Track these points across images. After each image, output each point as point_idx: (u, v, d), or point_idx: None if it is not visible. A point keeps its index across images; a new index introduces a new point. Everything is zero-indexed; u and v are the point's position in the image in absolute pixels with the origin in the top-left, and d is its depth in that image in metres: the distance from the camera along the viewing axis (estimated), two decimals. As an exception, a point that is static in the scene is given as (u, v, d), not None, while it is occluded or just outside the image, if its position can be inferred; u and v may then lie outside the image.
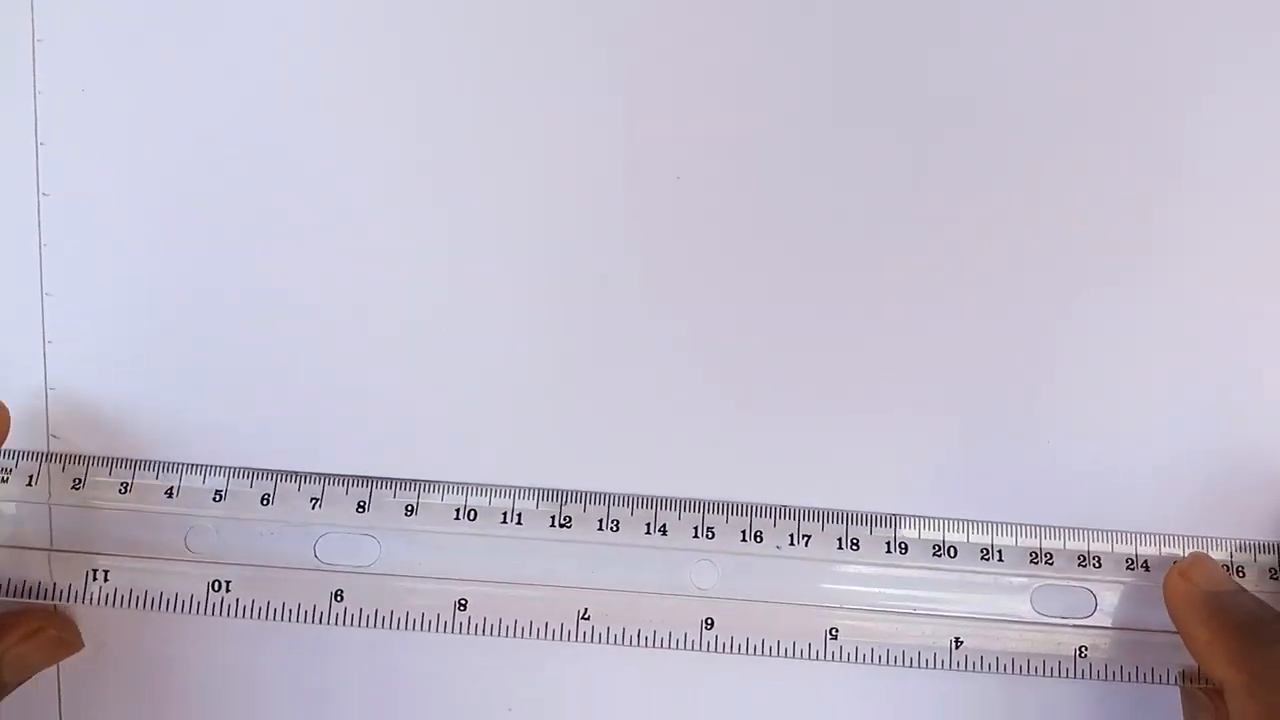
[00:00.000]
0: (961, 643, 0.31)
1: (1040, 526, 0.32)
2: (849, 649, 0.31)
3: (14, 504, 0.32)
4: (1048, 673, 0.31)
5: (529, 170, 0.33)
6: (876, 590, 0.32)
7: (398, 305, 0.33)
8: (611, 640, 0.31)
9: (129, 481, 0.32)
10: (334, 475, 0.32)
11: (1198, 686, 0.31)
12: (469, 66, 0.33)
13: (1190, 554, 0.31)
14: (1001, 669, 0.31)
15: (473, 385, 0.33)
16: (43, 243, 0.33)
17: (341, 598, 0.32)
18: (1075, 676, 0.31)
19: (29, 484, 0.32)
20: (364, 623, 0.31)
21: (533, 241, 0.33)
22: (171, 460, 0.32)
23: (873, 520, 0.32)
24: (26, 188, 0.33)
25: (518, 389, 0.33)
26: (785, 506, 0.32)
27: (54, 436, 0.33)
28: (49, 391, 0.33)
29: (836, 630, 0.31)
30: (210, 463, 0.32)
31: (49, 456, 0.32)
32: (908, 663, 0.31)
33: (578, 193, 0.33)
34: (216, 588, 0.32)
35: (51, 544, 0.32)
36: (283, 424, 0.33)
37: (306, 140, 0.33)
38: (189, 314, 0.33)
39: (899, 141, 0.32)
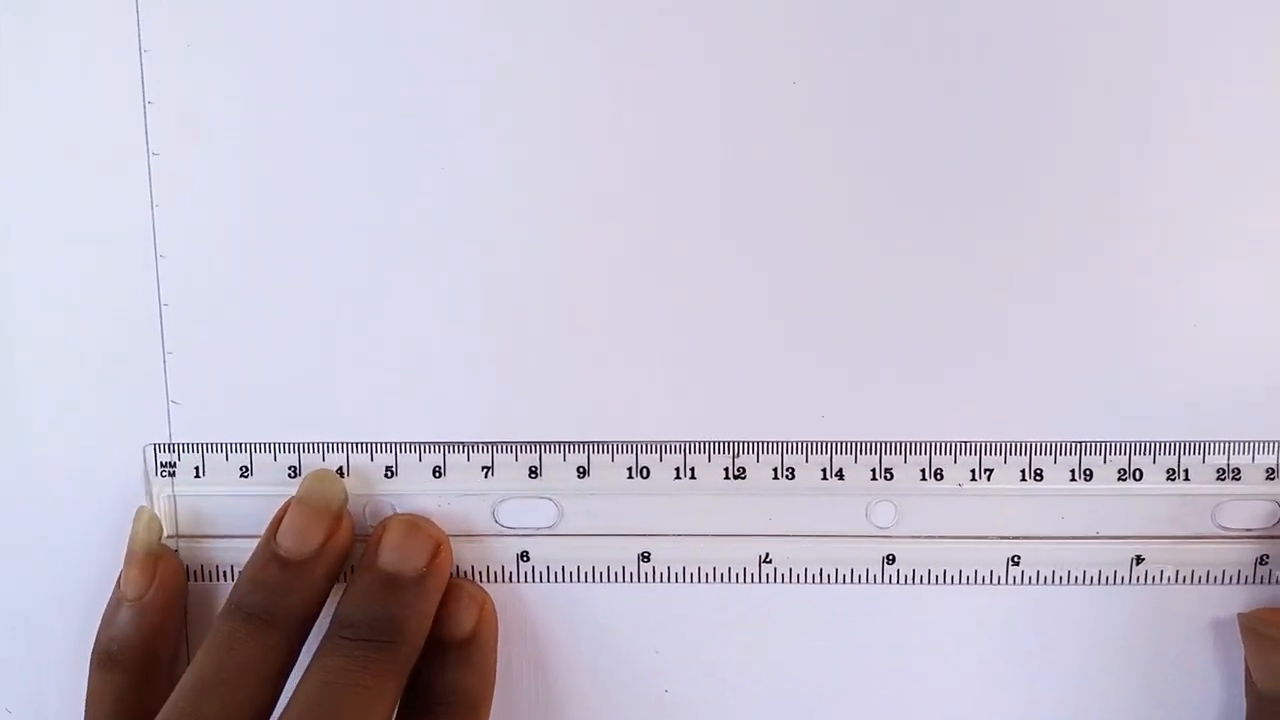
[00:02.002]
0: (1142, 560, 0.32)
1: (1228, 442, 0.31)
2: (1030, 574, 0.32)
3: (193, 499, 0.32)
4: (1225, 581, 0.32)
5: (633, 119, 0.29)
6: (1059, 518, 0.32)
7: (519, 276, 0.31)
8: (794, 580, 0.32)
9: (296, 465, 0.32)
10: (500, 443, 0.32)
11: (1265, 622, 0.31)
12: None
13: None
14: (1181, 580, 0.32)
15: (628, 347, 0.31)
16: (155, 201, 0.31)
17: (528, 558, 0.32)
18: (1255, 582, 0.32)
19: (196, 476, 0.32)
20: (551, 579, 0.32)
21: (671, 194, 0.30)
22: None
23: (1057, 449, 0.31)
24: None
25: (678, 347, 0.31)
26: (966, 442, 0.31)
27: (174, 402, 0.32)
28: (167, 361, 0.32)
29: (1019, 558, 0.32)
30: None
31: (211, 447, 0.32)
32: (1088, 581, 0.32)
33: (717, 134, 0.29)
34: (404, 558, 0.32)
35: (232, 531, 0.32)
36: (430, 401, 0.32)
37: (424, 149, 0.31)
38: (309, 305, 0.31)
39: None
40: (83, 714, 0.30)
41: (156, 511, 0.32)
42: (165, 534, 0.32)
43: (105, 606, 0.31)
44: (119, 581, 0.31)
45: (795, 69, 0.30)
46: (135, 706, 0.29)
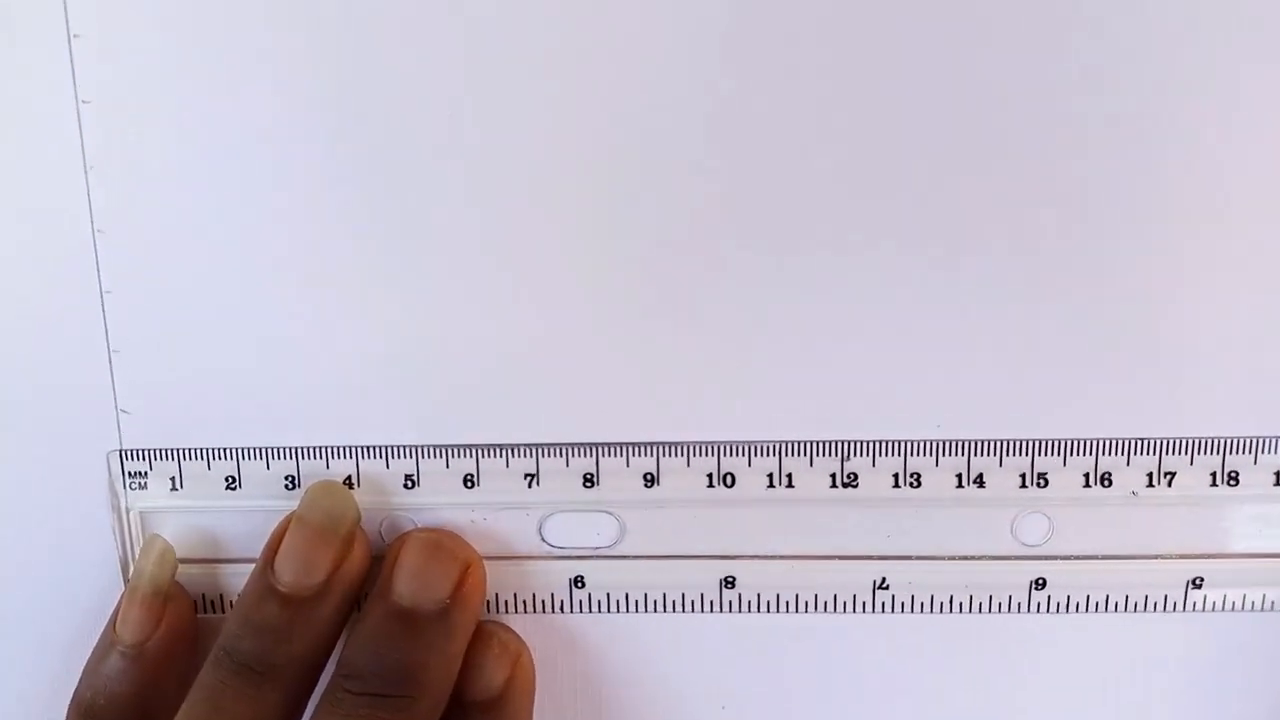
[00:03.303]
0: (1360, 581, 0.25)
1: None
2: (1215, 599, 0.25)
3: (171, 514, 0.26)
4: None
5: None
6: (1257, 531, 0.25)
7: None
8: (918, 610, 0.26)
9: (294, 475, 0.26)
10: (548, 445, 0.25)
11: None
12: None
13: None
14: None
15: (705, 328, 0.25)
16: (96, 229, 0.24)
17: (583, 584, 0.26)
18: None
19: (173, 489, 0.26)
20: (611, 609, 0.26)
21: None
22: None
23: (1257, 447, 0.24)
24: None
25: (768, 328, 0.25)
26: (1142, 439, 0.25)
27: (123, 411, 0.26)
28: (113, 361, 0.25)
29: (1202, 580, 0.25)
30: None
31: (191, 453, 0.26)
32: (1289, 608, 0.25)
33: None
34: (432, 585, 0.26)
35: (218, 554, 0.26)
36: (459, 394, 0.25)
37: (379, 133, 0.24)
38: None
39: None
40: None
41: (126, 530, 0.26)
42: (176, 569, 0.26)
43: (91, 651, 0.26)
44: (113, 621, 0.25)
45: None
46: None
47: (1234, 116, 0.23)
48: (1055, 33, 0.23)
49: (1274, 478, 0.25)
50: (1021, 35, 0.23)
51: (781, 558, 0.26)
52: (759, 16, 0.23)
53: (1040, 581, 0.25)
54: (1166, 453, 0.25)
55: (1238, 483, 0.25)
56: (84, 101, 0.24)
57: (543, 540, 0.26)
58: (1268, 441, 0.25)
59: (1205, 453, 0.25)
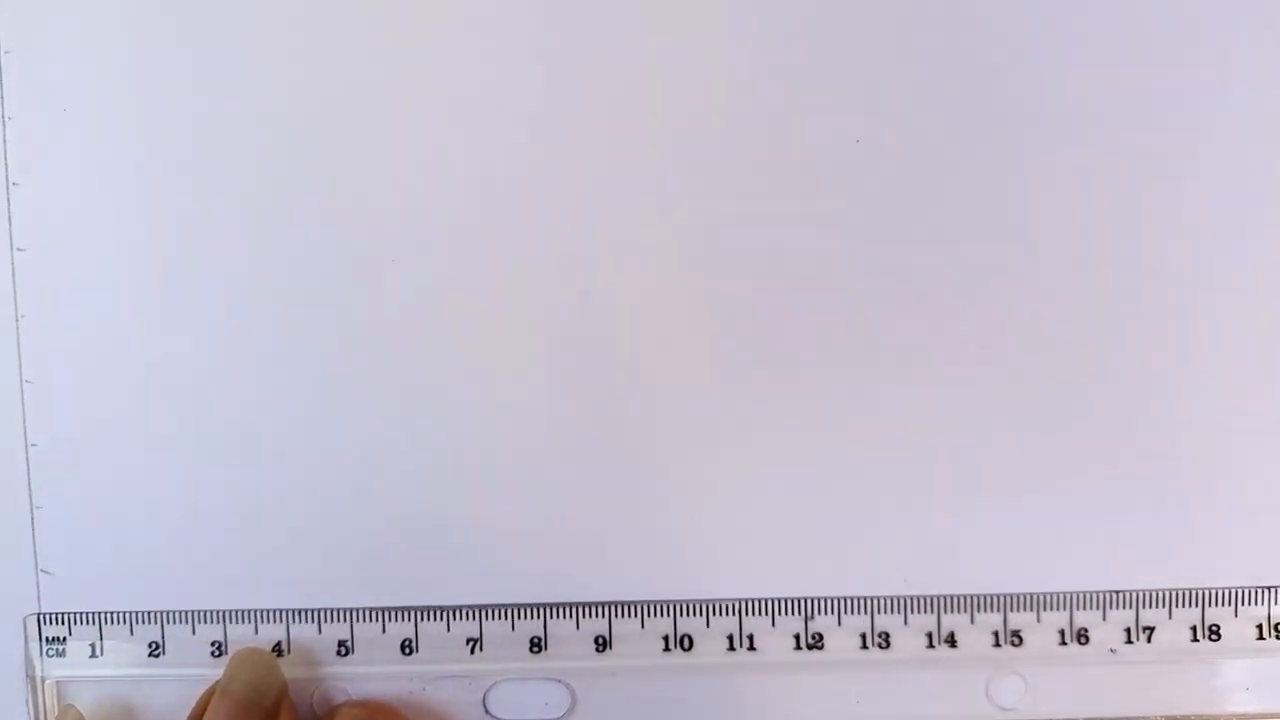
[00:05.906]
0: (1356, 745, 0.24)
1: None
2: (1206, 767, 0.24)
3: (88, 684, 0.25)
4: None
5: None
6: (1243, 689, 0.24)
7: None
8: (889, 782, 0.24)
9: (221, 641, 0.24)
10: (491, 606, 0.24)
11: None
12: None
13: None
14: None
15: (658, 480, 0.24)
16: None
17: (532, 758, 0.24)
18: None
19: (93, 655, 0.24)
20: (568, 785, 0.24)
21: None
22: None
23: (1238, 599, 0.23)
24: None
25: (725, 476, 0.24)
26: (1118, 592, 0.23)
27: (44, 572, 0.24)
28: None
29: (1191, 746, 0.24)
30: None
31: (111, 617, 0.24)
32: (1286, 778, 0.24)
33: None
34: (369, 762, 0.24)
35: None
36: (394, 554, 0.24)
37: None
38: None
39: None
40: None
41: (40, 702, 0.25)
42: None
43: None
44: None
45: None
46: None
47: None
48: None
49: (1257, 630, 0.23)
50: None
51: (745, 726, 0.24)
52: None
53: (1018, 748, 0.24)
54: (1144, 606, 0.24)
55: (1220, 637, 0.24)
56: (19, 250, 0.23)
57: (487, 712, 0.24)
58: (1249, 592, 0.24)
59: (1184, 605, 0.24)
